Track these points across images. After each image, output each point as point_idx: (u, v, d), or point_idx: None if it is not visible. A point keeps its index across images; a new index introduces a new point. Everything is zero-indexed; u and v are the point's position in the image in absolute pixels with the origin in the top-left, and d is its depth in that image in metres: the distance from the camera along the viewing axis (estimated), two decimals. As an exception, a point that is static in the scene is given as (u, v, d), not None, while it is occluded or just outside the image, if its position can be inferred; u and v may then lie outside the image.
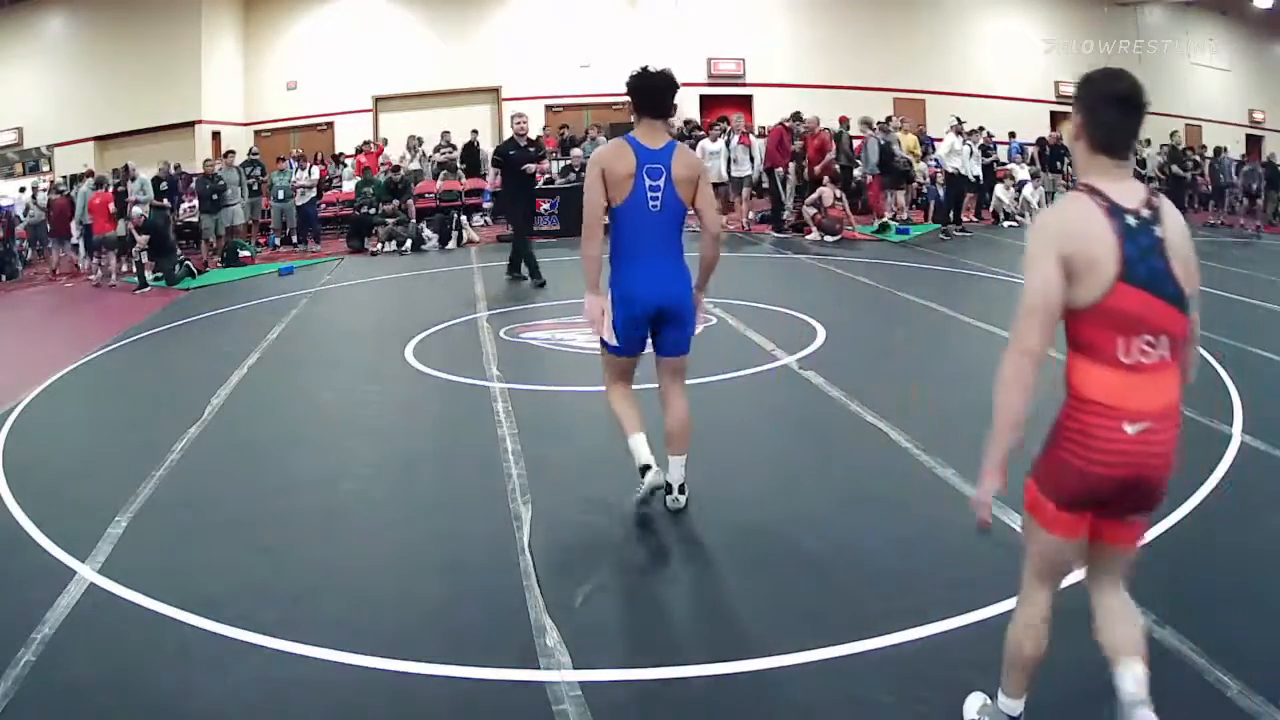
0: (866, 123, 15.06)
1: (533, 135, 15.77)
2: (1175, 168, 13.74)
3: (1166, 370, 2.10)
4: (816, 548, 3.49)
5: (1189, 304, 2.07)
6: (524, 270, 9.49)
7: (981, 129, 15.37)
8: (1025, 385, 2.15)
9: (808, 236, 13.12)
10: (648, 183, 3.63)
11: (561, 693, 2.59)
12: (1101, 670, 2.20)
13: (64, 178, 15.76)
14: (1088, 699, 2.51)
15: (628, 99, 3.73)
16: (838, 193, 13.63)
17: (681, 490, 3.76)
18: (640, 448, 3.76)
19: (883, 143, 14.28)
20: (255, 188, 14.50)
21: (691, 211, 3.73)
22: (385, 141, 17.43)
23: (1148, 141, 18.12)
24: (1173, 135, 14.62)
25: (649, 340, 3.78)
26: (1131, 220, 2.00)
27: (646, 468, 3.71)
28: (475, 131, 17.31)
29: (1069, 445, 2.11)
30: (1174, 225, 2.05)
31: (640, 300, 3.66)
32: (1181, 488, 3.83)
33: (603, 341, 3.80)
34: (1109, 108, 2.02)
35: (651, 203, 3.63)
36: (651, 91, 3.67)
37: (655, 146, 3.65)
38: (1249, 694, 2.44)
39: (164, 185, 14.75)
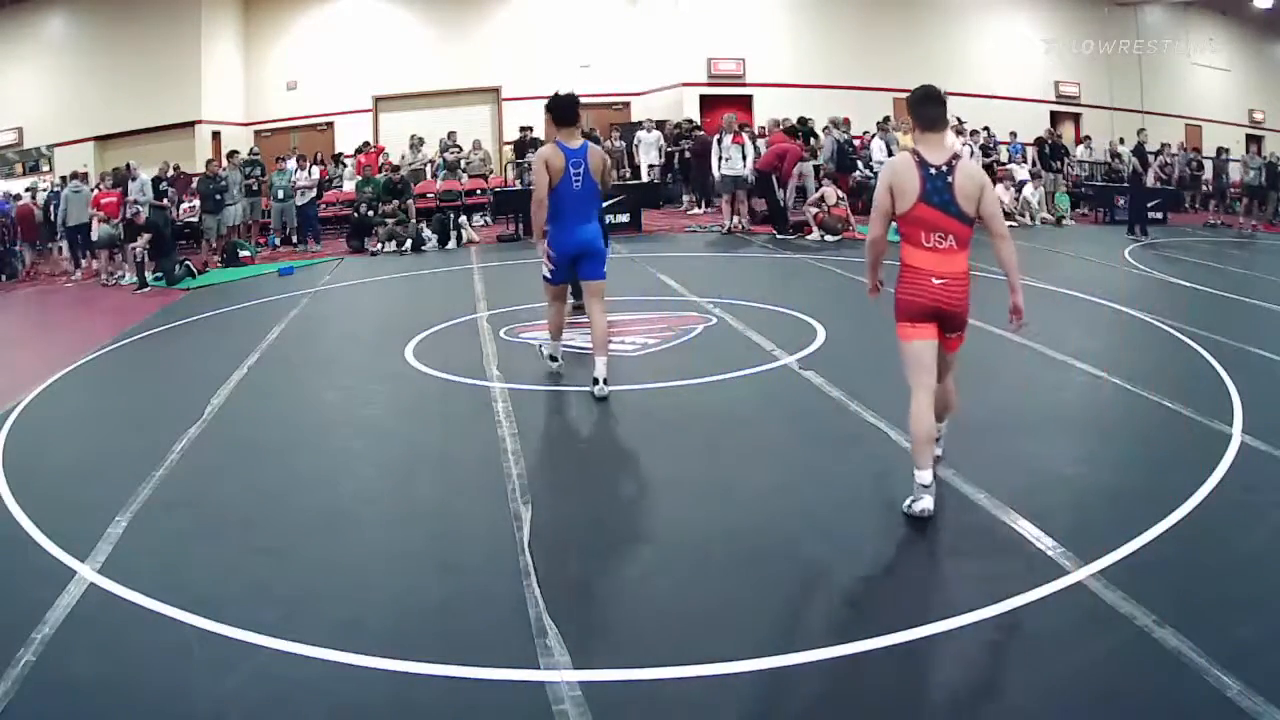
0: (834, 122, 15.12)
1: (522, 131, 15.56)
2: (1136, 163, 13.91)
3: (954, 253, 3.69)
4: (816, 548, 3.49)
5: (970, 219, 3.67)
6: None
7: (985, 129, 15.40)
8: (875, 246, 3.92)
9: (808, 236, 13.11)
10: (572, 171, 5.33)
11: (561, 693, 2.59)
12: (1100, 678, 2.20)
13: (61, 178, 15.80)
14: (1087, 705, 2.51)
15: (547, 114, 5.55)
16: (840, 193, 13.64)
17: (606, 383, 5.34)
18: (558, 347, 5.79)
19: (840, 141, 14.40)
20: (255, 188, 14.49)
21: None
22: (377, 148, 17.36)
23: (1122, 140, 18.22)
24: (1140, 133, 14.62)
25: (575, 272, 5.56)
26: (932, 170, 3.63)
27: (554, 359, 5.86)
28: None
29: (903, 289, 3.75)
30: (964, 174, 3.65)
31: (569, 245, 5.42)
32: (1181, 488, 3.84)
33: (545, 276, 5.59)
34: (922, 104, 3.71)
35: (575, 183, 5.34)
36: (563, 108, 5.50)
37: (574, 146, 5.39)
38: (1249, 694, 2.44)
39: (163, 185, 14.77)
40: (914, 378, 3.71)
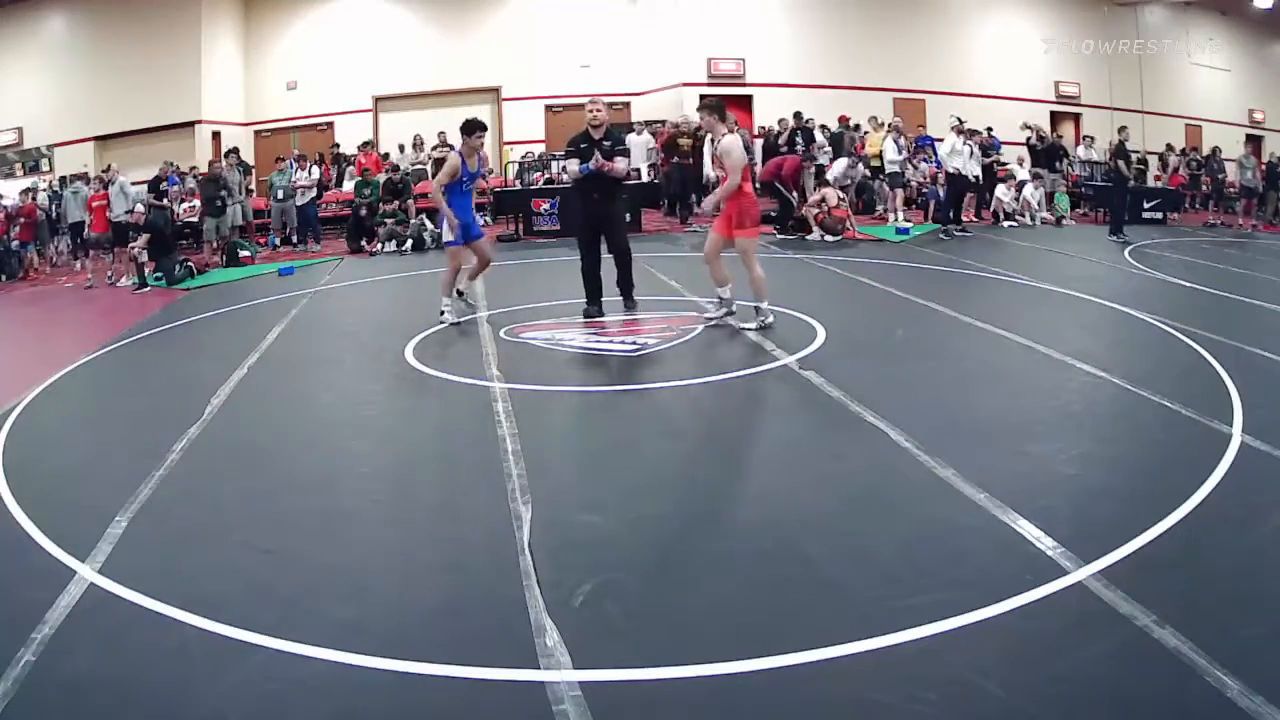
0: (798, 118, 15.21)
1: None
2: (1121, 164, 13.78)
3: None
4: (816, 548, 3.49)
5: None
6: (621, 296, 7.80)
7: (988, 129, 15.39)
8: (733, 190, 6.75)
9: (807, 236, 13.12)
10: (467, 173, 7.58)
11: (561, 693, 2.59)
12: (1101, 677, 2.19)
13: (61, 178, 15.82)
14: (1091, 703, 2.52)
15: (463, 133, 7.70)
16: (840, 193, 13.64)
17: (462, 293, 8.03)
18: (474, 286, 8.44)
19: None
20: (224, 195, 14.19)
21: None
22: (377, 150, 17.36)
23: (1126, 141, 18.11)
24: (1120, 131, 14.47)
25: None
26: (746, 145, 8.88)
27: (467, 303, 8.10)
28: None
29: (756, 209, 6.98)
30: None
31: (464, 224, 7.60)
32: (1182, 487, 3.84)
33: (449, 241, 7.66)
34: (721, 109, 7.12)
35: (466, 186, 7.63)
36: (469, 126, 7.63)
37: (470, 157, 7.57)
38: (1249, 694, 2.44)
39: (163, 185, 14.76)
40: (755, 258, 6.79)
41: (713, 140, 7.01)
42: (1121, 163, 13.74)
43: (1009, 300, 8.81)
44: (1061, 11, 21.32)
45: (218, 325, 8.91)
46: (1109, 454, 4.55)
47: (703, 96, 8.20)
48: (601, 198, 7.46)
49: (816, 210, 13.31)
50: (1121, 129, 14.47)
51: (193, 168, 15.67)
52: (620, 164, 7.52)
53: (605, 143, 7.41)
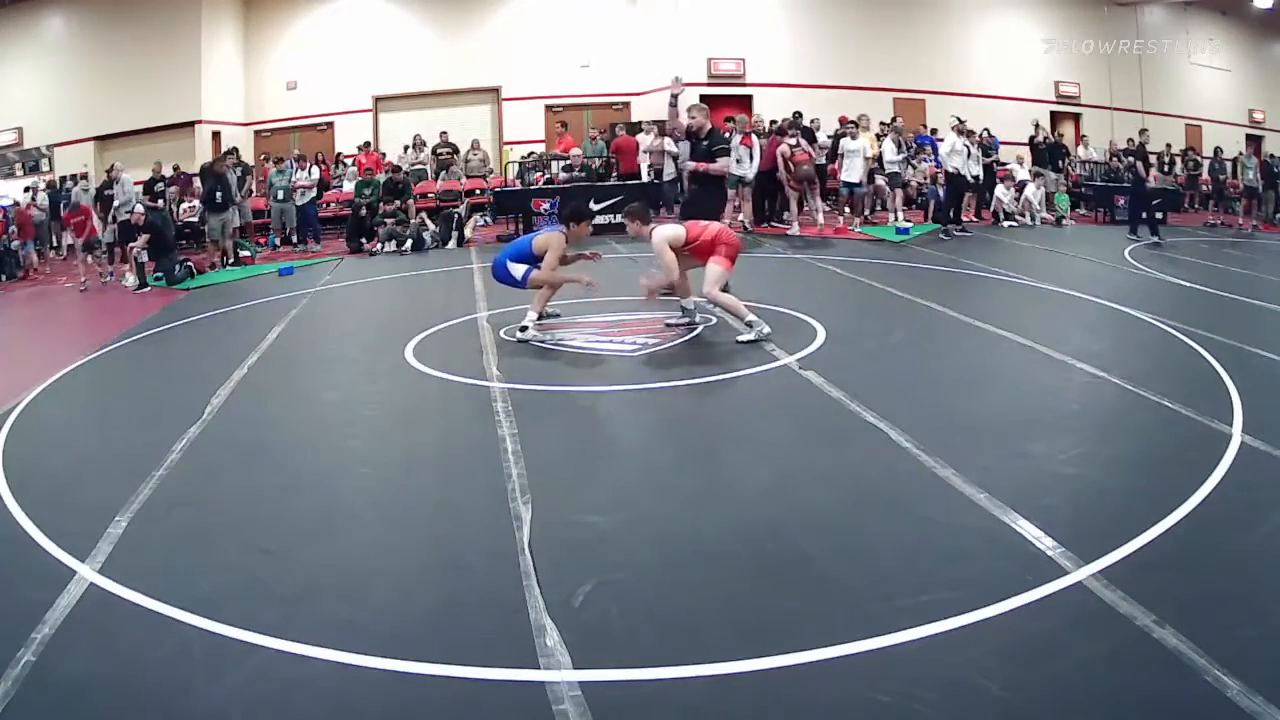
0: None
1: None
2: (1140, 165, 13.87)
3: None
4: (816, 548, 3.49)
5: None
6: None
7: (986, 130, 15.40)
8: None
9: (785, 215, 13.25)
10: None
11: (561, 693, 2.59)
12: (1099, 674, 2.18)
13: (62, 178, 15.82)
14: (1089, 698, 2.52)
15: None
16: (802, 142, 13.76)
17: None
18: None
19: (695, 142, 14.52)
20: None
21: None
22: (376, 150, 17.34)
23: (1129, 141, 18.13)
24: (1141, 134, 14.57)
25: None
26: None
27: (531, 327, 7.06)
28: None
29: (731, 243, 6.81)
30: None
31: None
32: (1182, 488, 3.84)
33: (527, 274, 7.06)
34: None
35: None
36: (579, 214, 7.34)
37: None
38: (1249, 694, 2.44)
39: (159, 185, 14.77)
40: (720, 286, 6.70)
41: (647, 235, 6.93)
42: (1141, 164, 13.83)
43: (1009, 300, 8.81)
44: (1061, 11, 21.31)
45: (218, 325, 8.90)
46: (1109, 454, 4.55)
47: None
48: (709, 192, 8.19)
49: (787, 175, 13.46)
50: (1143, 131, 14.65)
51: (177, 168, 15.64)
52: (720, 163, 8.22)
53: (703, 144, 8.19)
